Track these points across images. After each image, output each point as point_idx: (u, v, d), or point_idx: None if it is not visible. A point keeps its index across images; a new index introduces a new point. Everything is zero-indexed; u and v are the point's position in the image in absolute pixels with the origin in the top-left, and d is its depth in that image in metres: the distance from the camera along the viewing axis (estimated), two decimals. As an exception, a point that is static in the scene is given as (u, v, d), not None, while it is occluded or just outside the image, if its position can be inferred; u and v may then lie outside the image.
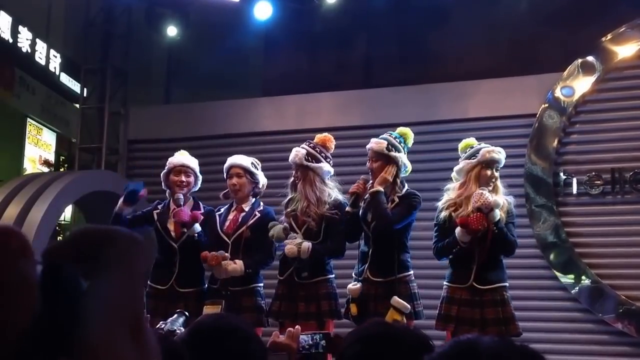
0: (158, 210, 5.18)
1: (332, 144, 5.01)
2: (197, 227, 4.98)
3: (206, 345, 1.90)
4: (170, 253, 5.04)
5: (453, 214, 4.53)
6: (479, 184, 4.52)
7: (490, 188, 4.50)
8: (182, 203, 5.03)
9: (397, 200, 4.63)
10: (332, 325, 4.64)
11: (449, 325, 4.42)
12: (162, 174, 5.22)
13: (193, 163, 5.21)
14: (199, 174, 5.23)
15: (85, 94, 8.73)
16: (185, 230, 4.99)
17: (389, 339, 1.69)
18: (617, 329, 6.19)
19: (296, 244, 4.65)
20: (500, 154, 4.62)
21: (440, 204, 4.65)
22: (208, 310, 4.48)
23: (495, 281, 4.44)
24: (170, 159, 5.22)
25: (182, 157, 5.21)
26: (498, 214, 4.38)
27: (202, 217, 5.01)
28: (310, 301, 4.69)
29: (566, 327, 6.34)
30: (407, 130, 4.86)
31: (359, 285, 4.59)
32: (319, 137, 5.05)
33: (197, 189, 5.28)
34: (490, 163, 4.57)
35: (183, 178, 5.12)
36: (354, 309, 4.54)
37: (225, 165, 5.10)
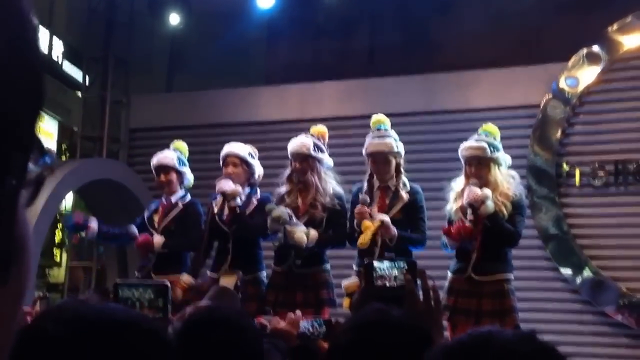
0: (149, 208, 5.29)
1: (327, 136, 4.99)
2: (157, 242, 5.03)
3: (202, 337, 1.89)
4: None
5: (462, 215, 4.53)
6: (468, 179, 4.51)
7: (476, 182, 4.44)
8: (136, 234, 5.11)
9: (404, 196, 4.62)
10: (327, 314, 4.61)
11: (444, 313, 4.41)
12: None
13: (169, 160, 5.17)
14: (180, 167, 5.21)
15: (87, 82, 8.72)
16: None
17: (385, 327, 1.63)
18: (618, 321, 6.18)
19: (305, 232, 4.63)
20: (473, 150, 4.51)
21: (450, 196, 4.63)
22: (224, 281, 4.47)
23: (495, 272, 4.42)
24: (152, 160, 5.24)
25: (159, 157, 5.21)
26: (491, 206, 4.34)
27: (149, 238, 5.03)
28: (308, 290, 4.70)
29: (566, 318, 6.34)
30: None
31: (355, 279, 4.56)
32: (317, 129, 4.99)
33: (187, 181, 5.28)
34: (468, 159, 4.54)
35: (162, 178, 5.17)
36: (346, 303, 4.51)
37: (222, 153, 5.05)
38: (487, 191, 4.36)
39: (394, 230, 4.48)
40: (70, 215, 5.13)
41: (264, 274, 4.96)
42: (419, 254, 4.85)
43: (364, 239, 4.45)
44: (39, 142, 0.71)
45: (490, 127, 4.68)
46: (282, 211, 4.64)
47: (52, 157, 0.79)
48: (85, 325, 0.91)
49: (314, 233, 4.65)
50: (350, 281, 4.55)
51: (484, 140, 4.54)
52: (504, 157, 4.58)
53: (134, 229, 5.14)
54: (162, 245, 5.02)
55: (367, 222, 4.46)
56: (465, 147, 4.57)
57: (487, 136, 4.59)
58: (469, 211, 4.41)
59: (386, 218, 4.49)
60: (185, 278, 4.90)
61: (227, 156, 5.02)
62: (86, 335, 0.90)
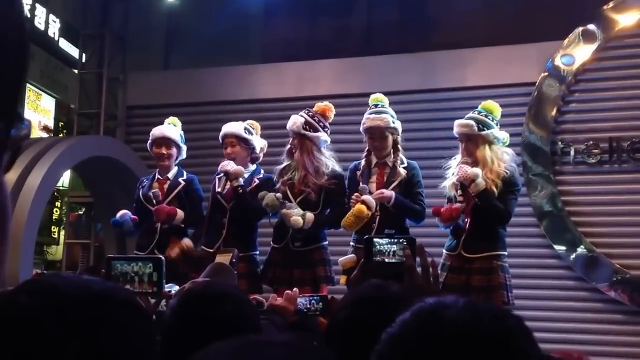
0: (142, 185, 5.29)
1: (331, 113, 4.99)
2: (179, 215, 5.06)
3: (198, 311, 1.91)
4: (152, 220, 5.12)
5: (455, 192, 4.58)
6: (463, 156, 4.58)
7: (467, 160, 4.49)
8: (160, 199, 5.10)
9: (402, 172, 4.68)
10: (325, 291, 4.65)
11: None
12: (148, 144, 5.26)
13: (174, 134, 5.19)
14: (181, 143, 5.24)
15: (84, 60, 8.70)
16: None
17: (382, 303, 1.61)
18: (611, 297, 6.23)
19: (300, 215, 4.67)
20: (461, 127, 4.56)
21: (449, 173, 4.68)
22: (220, 258, 4.51)
23: (486, 250, 4.46)
24: (152, 130, 5.26)
25: (163, 129, 5.22)
26: (481, 184, 4.38)
27: (176, 210, 5.05)
28: (305, 267, 4.75)
29: (560, 295, 6.39)
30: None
31: (352, 256, 4.61)
32: (319, 105, 5.01)
33: (183, 157, 5.32)
34: (458, 136, 4.61)
35: (163, 150, 5.17)
36: (343, 279, 4.57)
37: (220, 135, 5.10)
38: (477, 170, 4.40)
39: (389, 194, 4.56)
40: (127, 217, 5.15)
41: (257, 253, 5.00)
42: (416, 231, 4.91)
43: (346, 220, 4.53)
44: (19, 112, 0.74)
45: (489, 104, 4.70)
46: (272, 198, 4.70)
47: (29, 125, 0.82)
48: (58, 296, 0.90)
49: (310, 216, 4.69)
50: (347, 257, 4.60)
51: (474, 117, 4.57)
52: (498, 134, 4.59)
53: (158, 193, 5.13)
54: (182, 220, 5.08)
55: (361, 207, 4.51)
56: (455, 124, 4.64)
57: (480, 113, 4.61)
58: (459, 190, 4.48)
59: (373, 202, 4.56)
60: (187, 241, 4.98)
61: (224, 137, 5.05)
62: (59, 306, 0.89)
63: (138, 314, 0.96)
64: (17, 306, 0.90)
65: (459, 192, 4.49)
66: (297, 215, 4.66)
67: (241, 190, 4.87)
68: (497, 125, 4.62)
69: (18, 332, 0.88)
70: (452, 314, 0.91)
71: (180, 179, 5.21)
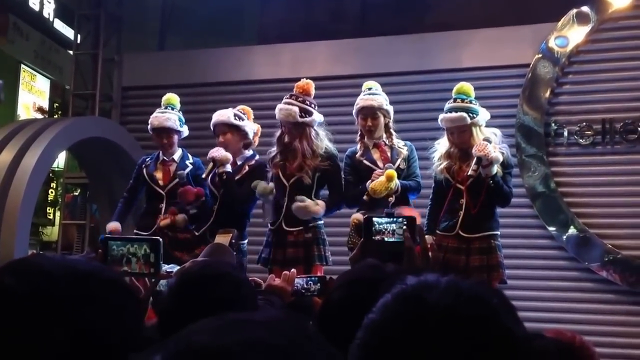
0: (146, 164, 5.31)
1: (313, 89, 4.97)
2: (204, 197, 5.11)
3: (196, 292, 1.93)
4: (157, 200, 5.16)
5: (448, 175, 4.61)
6: (452, 143, 4.59)
7: (488, 138, 4.50)
8: (185, 179, 5.13)
9: (404, 150, 4.75)
10: (320, 271, 4.68)
11: None
12: (149, 128, 5.32)
13: (172, 123, 5.22)
14: (179, 128, 5.27)
15: (79, 40, 8.68)
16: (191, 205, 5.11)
17: (377, 284, 1.57)
18: (602, 277, 6.29)
19: (314, 204, 4.71)
20: (454, 122, 4.54)
21: (435, 156, 4.70)
22: (219, 239, 4.55)
23: (483, 229, 4.51)
24: (151, 118, 5.28)
25: (161, 119, 5.23)
26: (494, 170, 4.42)
27: (203, 191, 5.07)
28: (299, 247, 4.77)
29: (552, 275, 6.45)
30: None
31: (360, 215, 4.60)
32: (300, 86, 4.95)
33: (184, 135, 5.39)
34: (449, 129, 4.61)
35: (164, 140, 5.23)
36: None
37: (211, 124, 5.10)
38: (500, 156, 4.43)
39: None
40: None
41: (245, 243, 5.01)
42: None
43: (377, 183, 4.52)
44: None
45: (463, 87, 4.71)
46: (263, 187, 4.74)
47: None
48: (43, 276, 0.91)
49: (322, 203, 4.74)
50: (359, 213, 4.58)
51: (461, 107, 4.57)
52: (483, 116, 4.63)
53: (183, 175, 5.17)
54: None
55: (392, 172, 4.54)
56: (444, 119, 4.61)
57: (464, 100, 4.61)
58: (473, 164, 4.41)
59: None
60: (181, 217, 5.02)
61: (215, 126, 5.06)
62: (44, 285, 0.90)
63: (124, 293, 0.98)
64: (1, 286, 0.91)
65: (474, 165, 4.42)
66: (315, 206, 4.68)
67: (225, 177, 4.88)
68: (478, 105, 4.66)
69: (2, 312, 0.89)
70: (434, 296, 0.89)
71: (187, 162, 5.26)
